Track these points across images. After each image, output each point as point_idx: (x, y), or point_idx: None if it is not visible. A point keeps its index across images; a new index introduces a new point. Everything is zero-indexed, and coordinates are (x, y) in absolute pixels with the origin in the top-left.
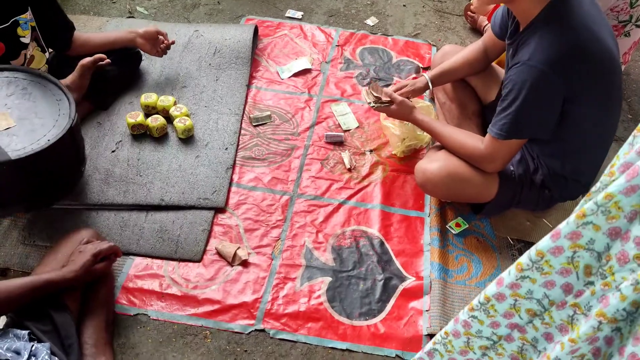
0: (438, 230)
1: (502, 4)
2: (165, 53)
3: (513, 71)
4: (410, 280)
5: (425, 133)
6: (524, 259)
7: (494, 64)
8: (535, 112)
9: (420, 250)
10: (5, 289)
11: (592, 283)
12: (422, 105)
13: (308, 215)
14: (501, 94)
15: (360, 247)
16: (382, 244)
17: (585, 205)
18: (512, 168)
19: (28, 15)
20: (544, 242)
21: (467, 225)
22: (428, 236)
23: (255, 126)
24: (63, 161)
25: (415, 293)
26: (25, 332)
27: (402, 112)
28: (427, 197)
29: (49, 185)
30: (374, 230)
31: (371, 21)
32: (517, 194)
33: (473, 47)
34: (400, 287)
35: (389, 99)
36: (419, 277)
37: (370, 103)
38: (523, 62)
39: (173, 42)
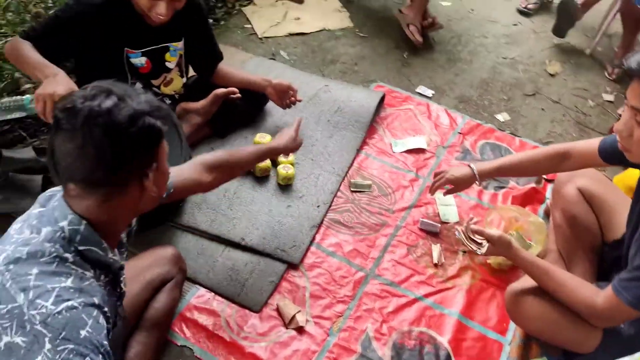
0: None
1: None
2: (290, 107)
3: None
4: None
5: (531, 251)
6: None
7: (630, 198)
8: None
9: None
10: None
11: None
12: (533, 220)
13: (378, 301)
14: (629, 241)
15: (424, 354)
16: (448, 357)
17: None
18: (622, 325)
19: (180, 44)
20: None
21: None
22: None
23: (352, 191)
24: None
25: None
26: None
27: (499, 250)
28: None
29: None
30: (444, 340)
31: (502, 117)
32: (621, 354)
33: (549, 150)
34: None
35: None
36: None
37: (474, 249)
38: None
39: (300, 100)
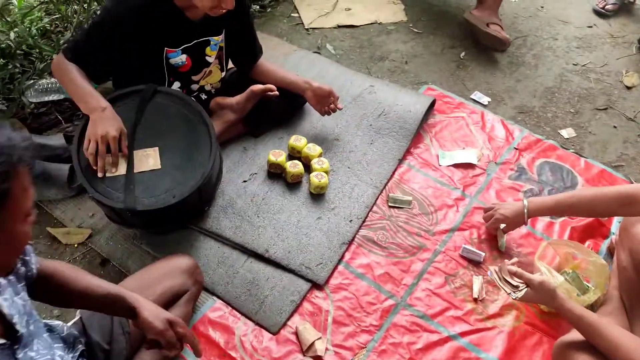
0: None
1: None
2: (329, 114)
3: None
4: None
5: (586, 297)
6: None
7: None
8: None
9: None
10: (86, 285)
11: None
12: (593, 260)
13: (407, 335)
14: None
15: None
16: None
17: None
18: None
19: (220, 37)
20: None
21: None
22: None
23: (390, 207)
24: (186, 207)
25: None
26: (80, 347)
27: (540, 298)
28: None
29: (168, 221)
30: None
31: (567, 133)
32: None
33: (614, 191)
34: None
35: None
36: None
37: (508, 292)
38: None
39: (340, 108)
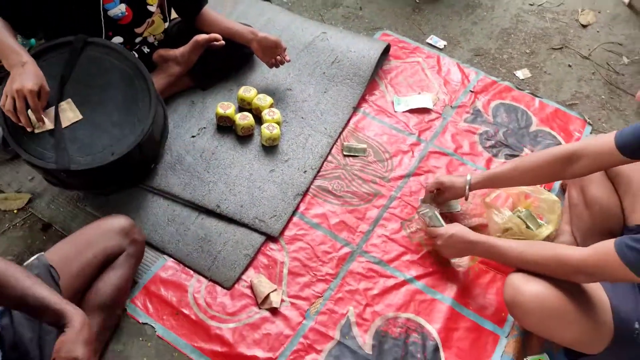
0: None
1: None
2: (277, 66)
3: None
4: None
5: (539, 230)
6: None
7: None
8: None
9: None
10: (21, 293)
11: None
12: (545, 198)
13: (363, 281)
14: None
15: (409, 344)
16: (436, 349)
17: None
18: (637, 326)
19: None
20: None
21: None
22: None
23: (345, 156)
24: (127, 166)
25: None
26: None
27: (457, 249)
28: None
29: (109, 181)
30: (433, 329)
31: (522, 74)
32: (633, 358)
33: (554, 152)
34: None
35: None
36: None
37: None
38: None
39: (288, 61)
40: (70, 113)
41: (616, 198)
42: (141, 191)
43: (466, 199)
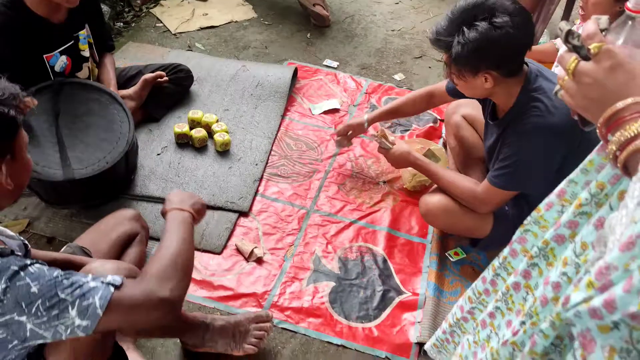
0: (437, 256)
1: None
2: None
3: (513, 137)
4: (406, 294)
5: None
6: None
7: None
8: (532, 172)
9: (419, 270)
10: (47, 257)
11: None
12: (434, 147)
13: (321, 229)
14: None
15: (365, 261)
16: (385, 260)
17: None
18: (507, 208)
19: (86, 31)
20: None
21: (465, 255)
22: (428, 259)
23: (289, 150)
24: (117, 174)
25: (410, 306)
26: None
27: (400, 161)
28: (431, 227)
29: (102, 190)
30: (379, 249)
31: (399, 77)
32: (510, 233)
33: (420, 92)
34: (397, 299)
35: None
36: (415, 293)
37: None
38: (522, 132)
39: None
40: None
41: (477, 135)
42: (126, 200)
43: (366, 133)
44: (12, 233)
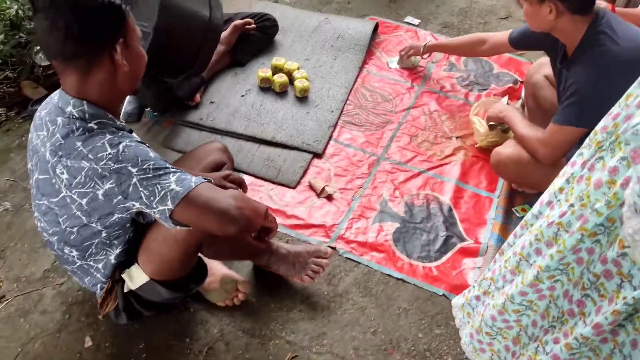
0: (504, 210)
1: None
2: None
3: (577, 68)
4: (469, 242)
5: (509, 134)
6: None
7: None
8: (599, 103)
9: (483, 222)
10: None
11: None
12: (512, 106)
13: (390, 175)
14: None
15: (430, 208)
16: (450, 209)
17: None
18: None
19: None
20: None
21: None
22: (494, 212)
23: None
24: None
25: (471, 253)
26: None
27: (499, 112)
28: (500, 183)
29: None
30: (446, 199)
31: None
32: None
33: (475, 36)
34: (459, 245)
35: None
36: (477, 242)
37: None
38: (587, 62)
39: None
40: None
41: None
42: (212, 134)
43: (422, 56)
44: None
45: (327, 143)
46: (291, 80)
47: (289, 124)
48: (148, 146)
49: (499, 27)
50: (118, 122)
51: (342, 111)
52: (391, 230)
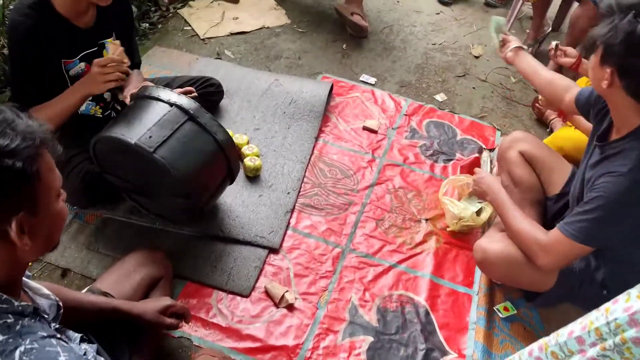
0: (485, 311)
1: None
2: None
3: (607, 178)
4: (452, 355)
5: (482, 217)
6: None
7: (562, 157)
8: (619, 224)
9: (465, 327)
10: (76, 299)
11: None
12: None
13: (357, 272)
14: (569, 191)
15: (406, 313)
16: (427, 313)
17: None
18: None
19: (112, 39)
20: None
21: (516, 312)
22: (475, 314)
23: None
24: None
25: None
26: (77, 335)
27: (485, 190)
28: (477, 275)
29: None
30: (421, 299)
31: (440, 97)
32: (574, 289)
33: (561, 79)
34: None
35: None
36: (461, 355)
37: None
38: (621, 173)
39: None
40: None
41: (535, 176)
42: (145, 229)
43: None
44: (47, 292)
45: (285, 233)
46: (240, 156)
47: (238, 211)
48: (60, 337)
49: (457, 85)
50: (16, 304)
51: (299, 192)
52: (364, 347)
